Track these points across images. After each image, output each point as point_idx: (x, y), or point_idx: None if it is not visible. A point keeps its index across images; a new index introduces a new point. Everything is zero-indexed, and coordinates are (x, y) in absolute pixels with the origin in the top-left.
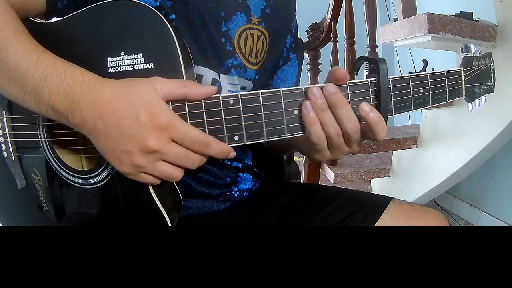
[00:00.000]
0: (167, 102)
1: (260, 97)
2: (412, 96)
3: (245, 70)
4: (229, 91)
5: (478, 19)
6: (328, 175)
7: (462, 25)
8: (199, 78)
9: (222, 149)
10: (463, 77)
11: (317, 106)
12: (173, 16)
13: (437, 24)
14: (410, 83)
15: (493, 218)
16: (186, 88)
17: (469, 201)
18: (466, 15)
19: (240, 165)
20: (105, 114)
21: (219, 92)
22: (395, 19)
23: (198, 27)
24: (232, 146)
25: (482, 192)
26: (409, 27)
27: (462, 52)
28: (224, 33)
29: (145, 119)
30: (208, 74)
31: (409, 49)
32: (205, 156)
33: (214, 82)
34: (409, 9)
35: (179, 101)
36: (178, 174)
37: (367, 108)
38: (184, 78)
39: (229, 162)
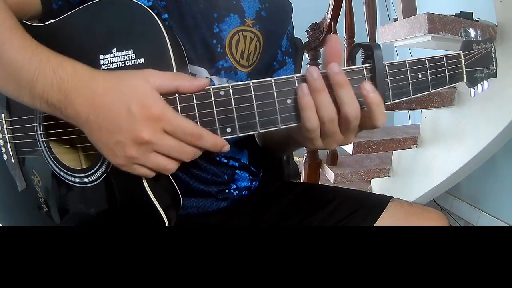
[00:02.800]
0: (160, 92)
1: (251, 87)
2: (410, 81)
3: (235, 72)
4: None
5: (478, 19)
6: (328, 175)
7: (462, 25)
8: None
9: (215, 142)
10: (463, 61)
11: (314, 87)
12: (166, 15)
13: (437, 24)
14: (408, 68)
15: (493, 218)
16: (178, 80)
17: (469, 201)
18: (466, 15)
19: (236, 164)
20: (97, 106)
21: None
22: (395, 19)
23: (190, 28)
24: (227, 144)
25: (482, 192)
26: (409, 27)
27: (462, 37)
28: (216, 35)
29: (137, 111)
30: (202, 73)
31: (409, 49)
32: (198, 148)
33: None
34: (409, 9)
35: (171, 93)
36: (172, 166)
37: (369, 87)
38: (175, 69)
39: (225, 161)
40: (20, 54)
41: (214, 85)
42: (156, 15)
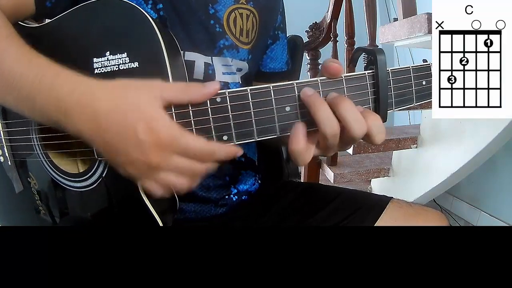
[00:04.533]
0: (170, 106)
1: (249, 94)
2: (413, 88)
3: (237, 50)
4: (224, 73)
5: None
6: (328, 175)
7: None
8: (190, 64)
9: (228, 152)
10: None
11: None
12: (161, 5)
13: None
14: (412, 75)
15: (493, 218)
16: (189, 94)
17: (469, 201)
18: None
19: (243, 159)
20: (102, 129)
21: (213, 77)
22: (395, 19)
23: (185, 14)
24: (240, 149)
25: (482, 192)
26: (409, 27)
27: None
28: (212, 15)
29: (145, 137)
30: (200, 59)
31: (409, 49)
32: (213, 162)
33: (207, 66)
34: (409, 9)
35: (183, 106)
36: (184, 186)
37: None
38: (170, 75)
39: None
40: (17, 65)
41: (214, 68)
42: (151, 6)
